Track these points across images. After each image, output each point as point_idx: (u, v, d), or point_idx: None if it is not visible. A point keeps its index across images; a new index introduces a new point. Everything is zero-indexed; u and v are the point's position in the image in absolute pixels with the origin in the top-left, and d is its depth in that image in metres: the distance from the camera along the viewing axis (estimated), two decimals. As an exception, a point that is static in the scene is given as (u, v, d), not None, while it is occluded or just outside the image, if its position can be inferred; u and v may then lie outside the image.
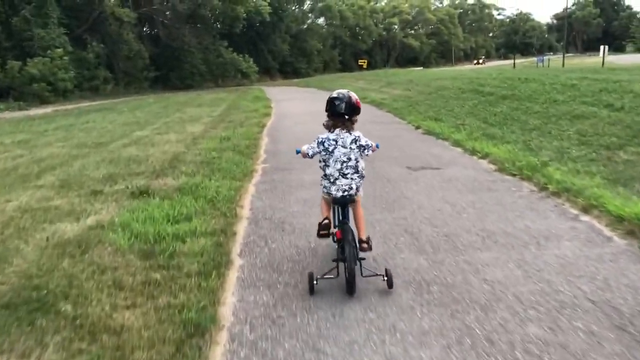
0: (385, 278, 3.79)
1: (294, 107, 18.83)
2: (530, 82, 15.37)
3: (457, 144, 9.64)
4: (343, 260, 3.76)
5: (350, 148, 3.92)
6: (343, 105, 3.94)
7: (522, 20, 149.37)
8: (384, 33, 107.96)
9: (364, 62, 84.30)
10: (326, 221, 4.02)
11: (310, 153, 4.08)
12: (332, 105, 3.98)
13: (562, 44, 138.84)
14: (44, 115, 23.13)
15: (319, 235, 4.08)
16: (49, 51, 32.88)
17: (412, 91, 21.06)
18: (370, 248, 4.04)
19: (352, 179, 3.95)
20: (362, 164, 4.02)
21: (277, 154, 9.85)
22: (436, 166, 8.00)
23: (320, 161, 4.09)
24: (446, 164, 8.06)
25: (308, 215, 5.57)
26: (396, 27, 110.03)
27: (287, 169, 8.19)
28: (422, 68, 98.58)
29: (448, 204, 5.83)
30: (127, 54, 40.16)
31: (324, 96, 4.39)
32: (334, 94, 4.06)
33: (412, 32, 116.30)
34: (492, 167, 7.64)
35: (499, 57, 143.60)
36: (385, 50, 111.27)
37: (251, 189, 7.04)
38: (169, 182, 7.18)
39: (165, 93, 41.64)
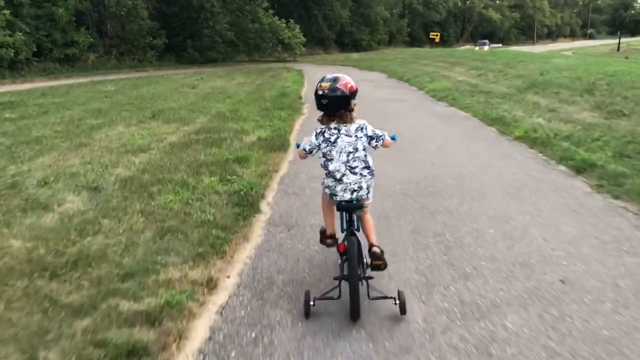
0: (397, 302, 3.20)
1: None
2: None
3: None
4: (347, 279, 3.20)
5: (356, 136, 3.34)
6: (335, 101, 3.28)
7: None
8: (460, 3, 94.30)
9: (437, 36, 71.56)
10: (330, 241, 3.63)
11: (308, 148, 3.46)
12: (322, 105, 3.33)
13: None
14: None
15: (323, 242, 3.71)
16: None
17: (631, 117, 8.60)
18: (384, 262, 3.41)
19: (362, 174, 3.36)
20: (371, 159, 3.42)
21: None
22: None
23: (320, 157, 3.44)
24: None
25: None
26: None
27: None
28: (500, 45, 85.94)
29: None
30: (116, 11, 28.37)
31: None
32: (324, 90, 3.25)
33: (492, 2, 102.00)
34: None
35: (584, 37, 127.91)
36: (459, 22, 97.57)
37: None
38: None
39: (174, 70, 30.15)
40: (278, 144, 8.21)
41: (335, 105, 3.32)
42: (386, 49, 61.04)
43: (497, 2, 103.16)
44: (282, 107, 12.74)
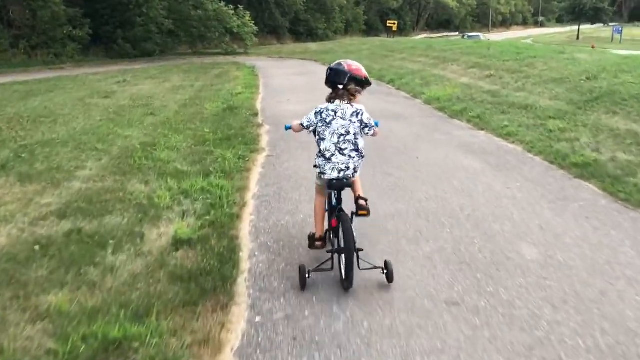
0: (385, 271, 3.50)
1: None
2: None
3: None
4: (339, 252, 3.49)
5: (350, 121, 3.59)
6: (340, 75, 3.63)
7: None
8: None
9: (394, 24, 68.32)
10: (319, 243, 3.81)
11: (306, 123, 3.71)
12: (329, 75, 3.70)
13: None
14: None
15: (312, 247, 3.86)
16: None
17: None
18: (368, 211, 3.58)
19: (350, 156, 3.59)
20: (362, 143, 3.65)
21: None
22: None
23: (316, 136, 3.71)
24: None
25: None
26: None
27: None
28: (458, 34, 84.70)
29: None
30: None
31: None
32: (334, 64, 3.75)
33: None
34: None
35: (535, 24, 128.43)
36: (415, 10, 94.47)
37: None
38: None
39: (99, 66, 24.99)
40: (214, 270, 3.72)
41: (344, 79, 3.59)
42: (344, 39, 56.78)
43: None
44: (229, 136, 8.23)
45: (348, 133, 3.54)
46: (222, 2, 32.21)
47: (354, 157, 3.56)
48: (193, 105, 11.59)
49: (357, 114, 3.57)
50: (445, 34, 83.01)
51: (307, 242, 3.90)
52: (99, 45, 29.02)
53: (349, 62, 3.73)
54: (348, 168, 3.57)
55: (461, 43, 23.59)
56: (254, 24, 34.35)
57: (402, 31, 76.58)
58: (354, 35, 66.73)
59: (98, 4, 28.88)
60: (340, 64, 3.70)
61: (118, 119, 9.91)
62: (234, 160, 6.70)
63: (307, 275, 3.44)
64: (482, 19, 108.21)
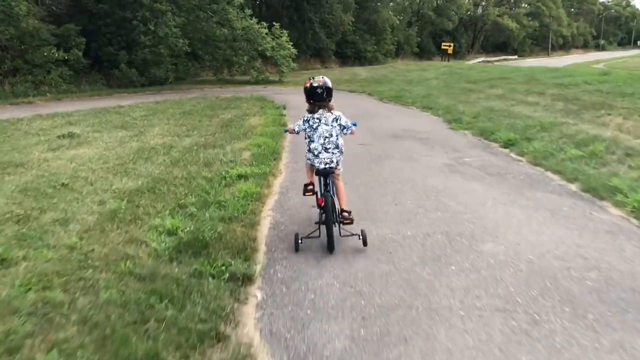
0: (361, 237, 4.45)
1: None
2: None
3: None
4: (324, 223, 4.41)
5: (332, 125, 4.56)
6: (321, 91, 4.53)
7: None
8: (471, 9, 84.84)
9: (450, 47, 61.78)
10: (310, 186, 4.83)
11: (297, 129, 4.69)
12: (314, 94, 4.56)
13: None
14: None
15: (305, 194, 4.84)
16: None
17: None
18: (352, 220, 4.52)
19: (333, 153, 4.57)
20: (341, 141, 4.64)
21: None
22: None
23: (305, 137, 4.68)
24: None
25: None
26: (484, 2, 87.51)
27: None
28: (516, 57, 78.04)
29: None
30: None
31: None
32: (314, 84, 4.54)
33: (508, 10, 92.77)
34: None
35: (596, 47, 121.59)
36: (470, 32, 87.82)
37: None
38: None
39: (85, 99, 19.11)
40: None
41: (327, 94, 4.53)
42: (395, 62, 50.47)
43: (514, 9, 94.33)
44: None
45: (331, 135, 4.56)
46: (254, 18, 26.11)
47: (335, 153, 4.58)
48: (126, 223, 5.16)
49: (337, 119, 4.59)
50: (503, 57, 76.06)
51: (303, 189, 4.87)
52: (100, 71, 23.27)
53: (325, 78, 4.59)
54: (332, 161, 4.59)
55: (570, 74, 16.59)
56: (293, 45, 28.04)
57: (456, 54, 69.86)
58: (405, 58, 60.37)
59: (101, 19, 23.23)
60: (322, 82, 4.53)
61: None
62: None
63: (300, 241, 4.43)
64: (541, 42, 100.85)
